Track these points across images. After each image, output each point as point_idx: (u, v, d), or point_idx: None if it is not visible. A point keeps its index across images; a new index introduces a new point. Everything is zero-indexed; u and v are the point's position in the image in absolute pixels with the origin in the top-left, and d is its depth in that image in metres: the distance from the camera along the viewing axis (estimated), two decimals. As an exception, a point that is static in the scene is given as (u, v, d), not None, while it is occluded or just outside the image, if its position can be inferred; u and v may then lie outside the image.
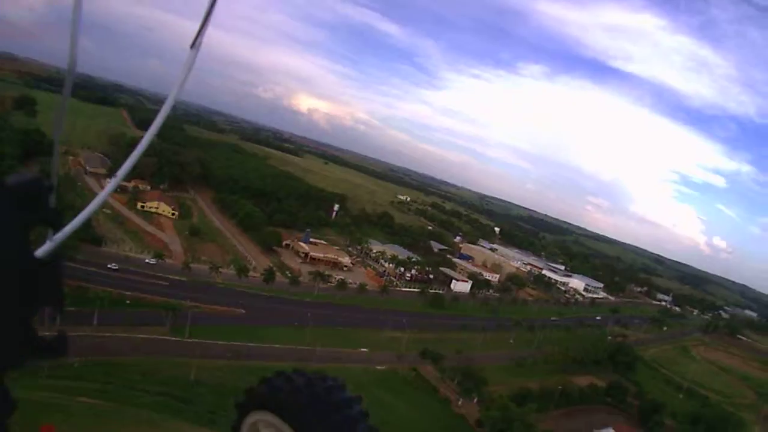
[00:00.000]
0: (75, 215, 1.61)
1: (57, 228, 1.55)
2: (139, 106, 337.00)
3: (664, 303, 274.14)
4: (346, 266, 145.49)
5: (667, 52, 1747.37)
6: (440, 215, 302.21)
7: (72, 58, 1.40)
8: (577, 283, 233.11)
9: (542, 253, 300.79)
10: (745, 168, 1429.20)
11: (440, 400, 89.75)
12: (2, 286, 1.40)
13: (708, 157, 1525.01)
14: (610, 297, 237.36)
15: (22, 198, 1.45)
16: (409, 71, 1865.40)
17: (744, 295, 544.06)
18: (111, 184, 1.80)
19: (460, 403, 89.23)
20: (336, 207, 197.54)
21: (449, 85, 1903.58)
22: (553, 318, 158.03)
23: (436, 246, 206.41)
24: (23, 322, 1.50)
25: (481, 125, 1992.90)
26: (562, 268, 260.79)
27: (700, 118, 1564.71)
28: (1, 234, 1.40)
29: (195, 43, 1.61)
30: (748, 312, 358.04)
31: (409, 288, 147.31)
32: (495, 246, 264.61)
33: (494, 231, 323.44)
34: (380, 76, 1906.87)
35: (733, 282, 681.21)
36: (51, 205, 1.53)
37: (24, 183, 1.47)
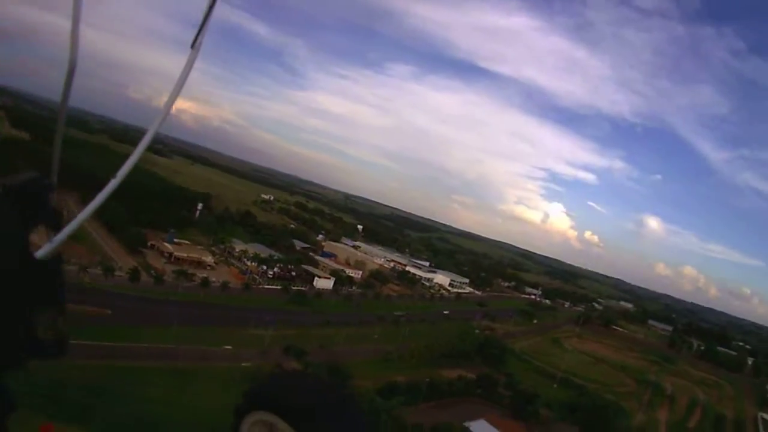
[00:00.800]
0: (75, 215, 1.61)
1: (57, 228, 1.56)
2: (17, 107, 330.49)
3: (533, 296, 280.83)
4: (209, 265, 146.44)
5: (540, 54, 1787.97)
6: (303, 214, 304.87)
7: (72, 59, 1.42)
8: (442, 278, 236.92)
9: (406, 250, 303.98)
10: (618, 165, 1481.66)
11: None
12: (2, 287, 1.40)
13: (578, 155, 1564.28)
14: (477, 292, 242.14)
15: (22, 198, 1.50)
16: (278, 72, 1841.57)
17: (618, 288, 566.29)
18: (111, 184, 1.70)
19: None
20: (199, 206, 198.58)
21: (317, 85, 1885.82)
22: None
23: (299, 244, 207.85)
24: (23, 322, 1.52)
25: (348, 125, 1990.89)
26: (427, 264, 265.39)
27: (571, 117, 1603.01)
28: (1, 234, 1.42)
29: (195, 43, 1.67)
30: (623, 303, 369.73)
31: (272, 285, 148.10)
32: (358, 243, 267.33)
33: (357, 229, 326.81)
34: (249, 76, 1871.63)
35: (607, 276, 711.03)
36: (51, 205, 1.59)
37: (24, 183, 1.53)
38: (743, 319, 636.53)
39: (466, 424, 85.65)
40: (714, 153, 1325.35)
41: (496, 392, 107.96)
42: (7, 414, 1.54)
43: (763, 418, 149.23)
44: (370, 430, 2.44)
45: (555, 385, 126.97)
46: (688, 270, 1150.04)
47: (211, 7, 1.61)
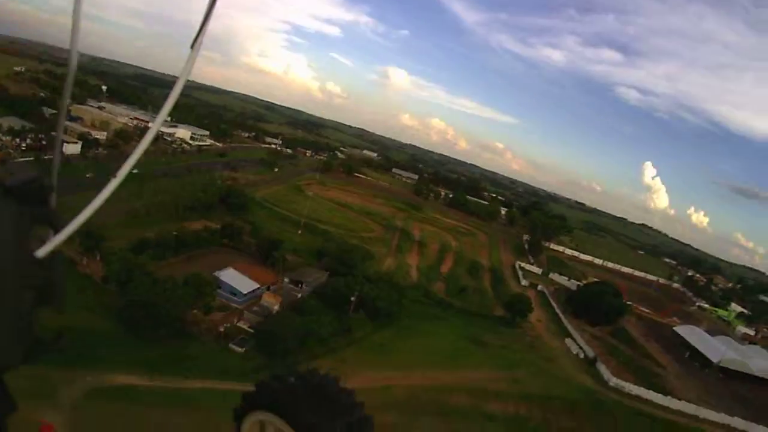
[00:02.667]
0: (75, 215, 1.63)
1: (57, 228, 1.57)
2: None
3: (274, 146, 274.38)
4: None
5: None
6: (53, 82, 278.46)
7: (72, 58, 1.44)
8: (183, 132, 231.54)
9: (149, 107, 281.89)
10: (363, 19, 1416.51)
11: (66, 261, 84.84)
12: (2, 286, 1.38)
13: (323, 9, 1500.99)
14: (218, 144, 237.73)
15: (22, 198, 1.48)
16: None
17: (362, 137, 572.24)
18: (111, 184, 1.76)
19: (84, 262, 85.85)
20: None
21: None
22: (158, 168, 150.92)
23: (48, 112, 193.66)
24: (23, 321, 1.47)
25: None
26: (168, 119, 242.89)
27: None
28: (1, 234, 1.38)
29: (195, 44, 1.68)
30: (366, 152, 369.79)
31: (27, 158, 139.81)
32: (103, 104, 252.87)
33: (102, 90, 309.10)
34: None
35: (350, 126, 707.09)
36: (51, 205, 1.60)
37: (24, 183, 1.50)
38: (496, 173, 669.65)
39: (216, 273, 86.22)
40: (468, 14, 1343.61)
41: (242, 241, 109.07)
42: (7, 413, 1.54)
43: (521, 267, 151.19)
44: (370, 428, 2.43)
45: (299, 231, 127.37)
46: (436, 122, 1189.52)
47: (211, 7, 1.59)
